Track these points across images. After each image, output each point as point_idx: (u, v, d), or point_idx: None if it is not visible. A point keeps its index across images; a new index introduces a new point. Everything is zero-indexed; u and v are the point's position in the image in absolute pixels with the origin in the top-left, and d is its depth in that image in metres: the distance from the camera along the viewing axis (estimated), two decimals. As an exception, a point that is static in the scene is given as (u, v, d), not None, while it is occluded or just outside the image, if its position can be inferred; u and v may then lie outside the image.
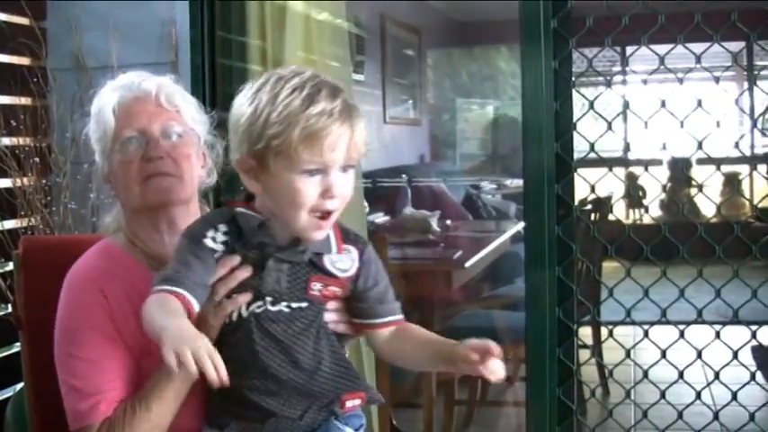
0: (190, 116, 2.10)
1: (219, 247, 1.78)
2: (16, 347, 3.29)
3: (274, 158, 1.69)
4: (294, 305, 1.78)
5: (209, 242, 1.78)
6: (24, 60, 3.67)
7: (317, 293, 1.80)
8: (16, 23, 3.64)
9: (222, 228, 1.79)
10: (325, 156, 1.67)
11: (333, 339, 1.84)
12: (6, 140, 3.43)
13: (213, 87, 3.47)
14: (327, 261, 1.81)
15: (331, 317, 1.86)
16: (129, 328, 1.95)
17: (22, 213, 3.48)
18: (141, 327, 1.78)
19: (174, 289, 1.71)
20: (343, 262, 1.83)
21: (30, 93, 3.56)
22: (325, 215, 1.72)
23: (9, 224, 3.48)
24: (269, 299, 1.77)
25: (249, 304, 1.78)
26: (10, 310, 3.30)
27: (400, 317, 1.99)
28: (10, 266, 3.17)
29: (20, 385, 3.12)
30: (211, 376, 1.52)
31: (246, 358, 1.77)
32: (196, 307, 1.73)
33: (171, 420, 1.89)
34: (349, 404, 1.83)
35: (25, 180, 3.45)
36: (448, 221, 6.01)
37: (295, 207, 1.71)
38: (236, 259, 1.78)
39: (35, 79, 3.58)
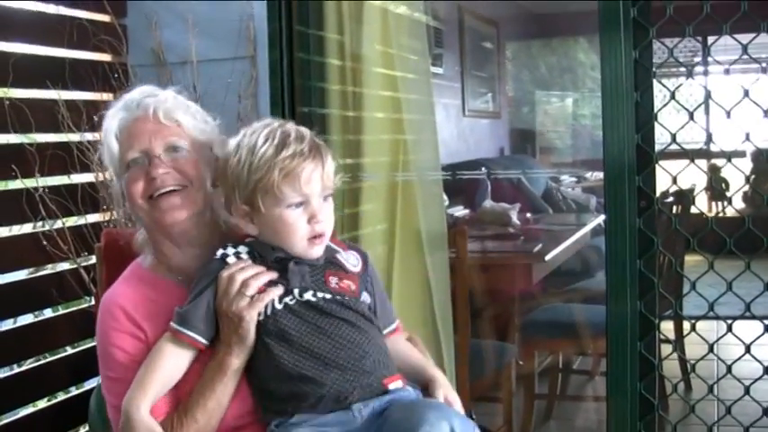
0: (192, 126, 2.11)
1: (232, 253, 2.00)
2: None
3: (262, 199, 1.93)
4: (319, 294, 1.95)
5: (217, 255, 2.00)
6: (105, 57, 3.72)
7: (336, 286, 1.98)
8: (97, 21, 3.70)
9: (232, 245, 2.01)
10: (304, 188, 1.92)
11: (369, 327, 1.99)
12: (89, 136, 3.48)
13: (291, 82, 3.49)
14: (341, 258, 2.05)
15: None
16: (159, 333, 2.01)
17: (104, 207, 3.53)
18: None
19: (185, 332, 1.95)
20: (352, 259, 2.07)
21: (111, 89, 3.61)
22: (317, 237, 1.96)
23: (92, 218, 3.53)
24: (296, 290, 1.95)
25: (281, 299, 1.94)
26: (93, 302, 3.35)
27: (396, 324, 2.18)
28: (93, 259, 3.21)
29: (103, 377, 3.17)
30: None
31: (287, 344, 1.92)
32: (203, 341, 1.96)
33: (218, 422, 1.96)
34: (392, 386, 1.94)
35: (107, 174, 3.48)
36: (528, 214, 5.97)
37: (290, 237, 1.95)
38: (262, 267, 1.96)
39: (116, 75, 3.64)
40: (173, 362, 1.95)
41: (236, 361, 1.94)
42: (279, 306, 1.93)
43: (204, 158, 2.09)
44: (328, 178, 1.97)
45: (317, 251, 1.97)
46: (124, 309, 2.03)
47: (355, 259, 2.07)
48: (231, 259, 1.98)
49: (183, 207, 2.04)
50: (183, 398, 1.97)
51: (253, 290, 1.92)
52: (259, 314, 1.92)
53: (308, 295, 1.94)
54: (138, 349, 2.00)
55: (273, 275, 1.95)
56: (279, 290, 1.93)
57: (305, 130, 2.00)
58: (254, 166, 1.92)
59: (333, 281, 1.98)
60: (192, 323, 1.94)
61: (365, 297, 2.03)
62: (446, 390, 2.07)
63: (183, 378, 1.97)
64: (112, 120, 2.10)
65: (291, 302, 1.93)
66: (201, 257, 2.06)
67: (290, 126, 1.99)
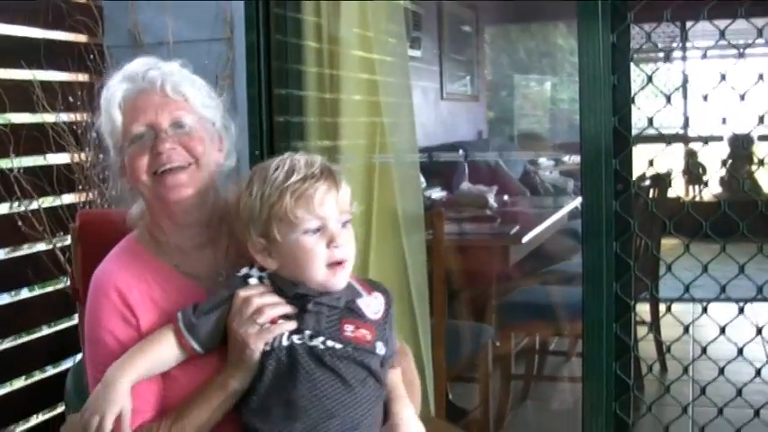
0: (199, 102, 2.06)
1: (255, 276, 1.94)
2: (76, 320, 3.34)
3: (278, 227, 1.86)
4: (329, 343, 1.87)
5: (241, 274, 1.94)
6: (81, 38, 3.71)
7: (350, 335, 1.89)
8: (73, 1, 3.67)
9: (258, 268, 1.94)
10: (318, 211, 1.85)
11: (365, 387, 1.90)
12: (64, 116, 3.47)
13: (268, 63, 3.47)
14: (362, 304, 1.95)
15: None
16: (153, 322, 1.97)
17: (80, 188, 3.52)
18: (165, 318, 1.96)
19: (190, 341, 1.91)
20: (374, 305, 1.96)
21: (87, 70, 3.60)
22: (338, 264, 1.88)
23: (67, 199, 3.52)
24: (307, 332, 1.87)
25: (290, 335, 1.87)
26: (68, 283, 3.34)
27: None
28: (68, 240, 3.20)
29: (79, 356, 3.17)
30: None
31: (277, 384, 1.87)
32: (201, 351, 1.91)
33: None
34: None
35: (83, 155, 3.48)
36: (505, 197, 5.99)
37: (309, 264, 1.87)
38: (281, 299, 1.90)
39: (91, 56, 3.61)
40: (167, 354, 1.90)
41: (238, 384, 1.89)
42: (285, 342, 1.86)
43: (209, 136, 2.05)
44: (344, 202, 1.90)
45: (338, 281, 1.89)
46: (119, 290, 1.98)
47: (377, 305, 1.97)
48: (253, 281, 1.93)
49: (189, 185, 1.99)
50: (171, 402, 1.94)
51: (265, 318, 1.86)
52: (266, 343, 1.86)
53: (317, 341, 1.86)
54: (128, 336, 1.95)
55: (289, 310, 1.89)
56: (291, 325, 1.87)
57: (315, 157, 1.93)
58: (266, 194, 1.86)
59: (348, 329, 1.89)
60: (198, 336, 1.89)
61: (380, 348, 1.94)
62: None
63: (174, 383, 1.94)
64: (116, 90, 2.02)
65: (298, 342, 1.86)
66: (198, 237, 2.05)
67: (300, 155, 1.93)
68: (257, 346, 1.85)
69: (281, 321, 1.87)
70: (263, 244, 1.89)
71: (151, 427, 1.90)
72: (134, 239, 2.10)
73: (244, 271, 1.94)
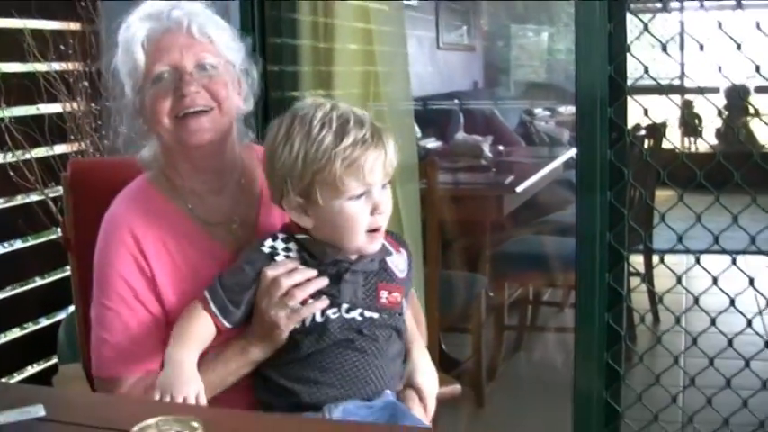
0: (224, 45, 2.00)
1: (281, 252, 1.86)
2: (68, 271, 3.33)
3: (321, 191, 1.78)
4: (366, 314, 1.84)
5: (265, 249, 1.87)
6: (72, -15, 3.66)
7: (386, 301, 1.87)
8: (65, -52, 3.63)
9: (283, 238, 1.88)
10: (368, 179, 1.78)
11: (393, 345, 1.91)
12: (56, 65, 3.43)
13: (262, 11, 3.46)
14: (392, 264, 1.92)
15: None
16: (165, 274, 1.94)
17: (72, 138, 3.50)
18: (177, 274, 1.93)
19: (221, 320, 1.85)
20: (401, 264, 1.95)
21: (78, 18, 3.55)
22: (377, 231, 1.82)
23: (59, 149, 3.50)
24: (345, 305, 1.83)
25: (324, 311, 1.82)
26: (60, 233, 3.33)
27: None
28: (61, 190, 3.19)
29: (72, 308, 3.16)
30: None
31: (312, 359, 1.83)
32: (228, 326, 1.85)
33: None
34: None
35: (75, 105, 3.45)
36: (500, 147, 5.97)
37: (351, 230, 1.80)
38: (313, 271, 1.84)
39: (83, 4, 3.57)
40: (206, 333, 1.85)
41: (261, 354, 1.86)
42: (319, 319, 1.82)
43: (231, 79, 1.99)
44: (390, 165, 1.82)
45: (375, 246, 1.84)
46: (134, 234, 1.94)
47: (404, 263, 1.95)
48: (280, 257, 1.85)
49: (210, 129, 1.94)
50: None
51: (296, 301, 1.80)
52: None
53: (355, 314, 1.83)
54: (141, 285, 1.92)
55: (323, 283, 1.82)
56: (324, 303, 1.82)
57: (362, 114, 1.83)
58: (311, 156, 1.76)
59: (384, 295, 1.86)
60: (232, 318, 1.85)
61: (405, 306, 1.94)
62: (416, 403, 1.95)
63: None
64: (138, 29, 1.95)
65: (334, 317, 1.82)
66: (214, 182, 2.02)
67: (345, 108, 1.84)
68: (288, 328, 1.82)
69: (311, 301, 1.82)
70: (299, 203, 1.81)
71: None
72: (147, 181, 2.05)
73: (268, 245, 1.87)
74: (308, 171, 1.77)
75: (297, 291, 1.81)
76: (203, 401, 1.75)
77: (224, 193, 2.04)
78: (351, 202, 1.78)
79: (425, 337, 2.14)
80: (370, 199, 1.79)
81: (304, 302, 1.81)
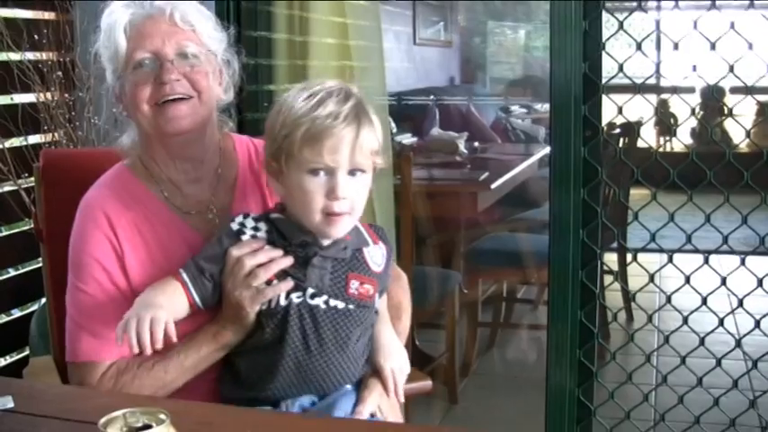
0: (206, 34, 1.98)
1: (248, 231, 1.85)
2: (41, 262, 3.31)
3: (286, 159, 1.77)
4: (332, 303, 1.82)
5: (234, 225, 1.86)
6: (47, -25, 3.64)
7: (355, 292, 1.84)
8: (39, -65, 3.60)
9: (254, 217, 1.87)
10: (326, 156, 1.74)
11: (356, 337, 1.87)
12: (30, 55, 3.41)
13: (237, 4, 3.46)
14: (367, 255, 1.89)
15: None
16: (139, 261, 1.93)
17: (46, 128, 3.48)
18: (150, 260, 1.92)
19: (184, 277, 1.83)
20: (377, 256, 1.91)
21: (53, 7, 3.53)
22: (335, 215, 1.77)
23: (33, 139, 3.47)
24: (310, 291, 1.80)
25: (288, 293, 1.80)
26: (33, 224, 3.31)
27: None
28: (33, 181, 3.17)
29: (44, 300, 3.14)
30: (131, 346, 1.70)
31: (276, 344, 1.81)
32: (196, 297, 1.83)
33: (182, 384, 1.88)
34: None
35: (48, 95, 3.43)
36: (476, 143, 5.98)
37: (305, 206, 1.78)
38: (278, 252, 1.82)
39: (58, -7, 3.55)
40: (179, 306, 1.83)
41: (233, 337, 1.85)
42: (282, 302, 1.80)
43: (212, 69, 1.98)
44: (362, 153, 1.76)
45: (335, 230, 1.79)
46: (108, 216, 1.93)
47: (381, 256, 1.91)
48: (246, 237, 1.84)
49: (189, 117, 1.93)
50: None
51: (259, 281, 1.78)
52: (263, 303, 1.80)
53: (319, 301, 1.80)
54: (115, 267, 1.91)
55: (287, 262, 1.80)
56: (287, 285, 1.79)
57: (357, 95, 1.81)
58: (285, 119, 1.77)
59: (354, 285, 1.83)
60: (203, 294, 1.83)
61: (377, 301, 1.91)
62: (372, 401, 1.89)
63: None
64: (121, 14, 1.94)
65: (297, 301, 1.80)
66: (193, 172, 2.01)
67: (345, 87, 1.81)
68: (253, 309, 1.80)
69: (275, 282, 1.80)
70: (274, 167, 1.81)
71: (135, 362, 1.86)
72: (125, 167, 2.04)
73: (237, 222, 1.86)
74: (280, 134, 1.77)
75: (260, 270, 1.80)
76: (172, 329, 1.72)
77: (201, 182, 2.03)
78: (308, 177, 1.75)
79: (406, 325, 2.11)
80: (330, 181, 1.75)
81: (269, 283, 1.80)
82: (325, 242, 1.82)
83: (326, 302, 1.81)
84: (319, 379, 1.82)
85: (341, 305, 1.82)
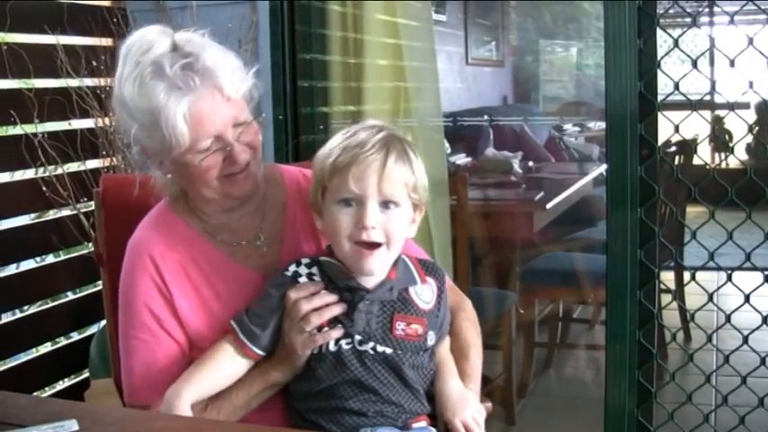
0: (246, 90, 1.94)
1: (304, 276, 1.87)
2: (100, 285, 3.35)
3: (322, 192, 1.82)
4: (380, 349, 1.81)
5: (288, 272, 1.88)
6: (105, 2, 3.69)
7: (402, 333, 1.83)
8: (96, -34, 3.66)
9: (306, 263, 1.88)
10: (352, 184, 1.76)
11: (413, 375, 1.85)
12: (89, 81, 3.46)
13: (292, 27, 3.48)
14: (414, 294, 1.88)
15: None
16: (189, 303, 1.94)
17: (104, 153, 3.52)
18: (200, 301, 1.93)
19: (253, 348, 1.85)
20: (426, 293, 1.90)
21: (110, 34, 3.58)
22: (367, 246, 1.78)
23: (91, 164, 3.52)
24: (358, 337, 1.81)
25: (338, 340, 1.81)
26: (92, 248, 3.35)
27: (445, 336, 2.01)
28: (92, 205, 3.21)
29: (103, 322, 3.18)
30: None
31: (331, 388, 1.81)
32: (259, 352, 1.86)
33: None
34: (415, 425, 1.86)
35: (107, 120, 3.47)
36: (530, 163, 5.96)
37: (335, 236, 1.80)
38: (333, 297, 1.83)
39: (115, 20, 3.60)
40: (230, 368, 1.86)
41: (281, 377, 1.87)
42: (332, 348, 1.81)
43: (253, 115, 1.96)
44: (390, 183, 1.77)
45: (367, 263, 1.79)
46: (153, 258, 1.94)
47: (430, 293, 1.90)
48: (303, 279, 1.86)
49: (252, 177, 1.95)
50: None
51: (311, 327, 1.80)
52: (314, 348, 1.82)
53: (368, 347, 1.80)
54: (165, 312, 1.92)
55: (340, 309, 1.81)
56: (338, 333, 1.80)
57: (389, 129, 1.83)
58: (321, 154, 1.83)
59: (400, 327, 1.82)
60: (261, 344, 1.85)
61: (431, 338, 1.88)
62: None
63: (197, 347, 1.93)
64: (174, 99, 1.83)
65: (346, 348, 1.81)
66: (240, 209, 2.00)
67: (385, 125, 1.85)
68: (304, 353, 1.82)
69: (326, 329, 1.81)
70: (316, 204, 1.85)
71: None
72: (167, 206, 2.04)
73: (292, 269, 1.87)
74: (318, 165, 1.83)
75: (313, 316, 1.81)
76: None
77: (247, 212, 2.03)
78: (338, 207, 1.78)
79: (477, 362, 2.06)
80: (359, 210, 1.77)
81: (321, 329, 1.82)
82: (370, 285, 1.83)
83: (374, 348, 1.81)
84: (385, 416, 1.81)
85: (389, 350, 1.82)
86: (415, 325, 1.85)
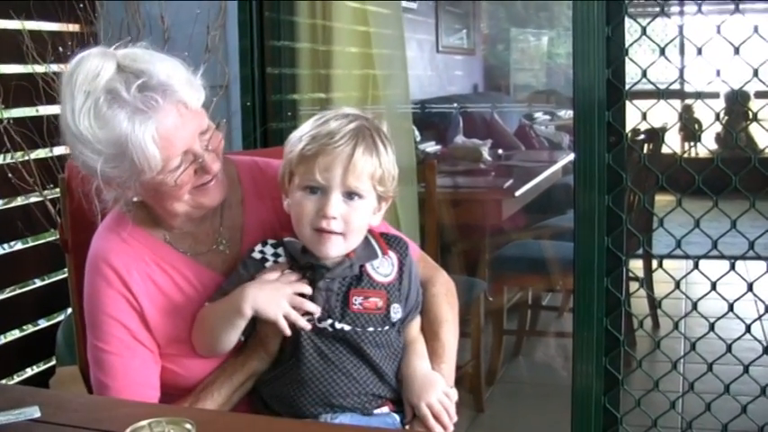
0: (203, 98, 1.86)
1: (270, 258, 1.88)
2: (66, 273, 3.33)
3: (289, 177, 1.83)
4: (338, 326, 1.81)
5: (256, 254, 1.88)
6: (72, -14, 3.66)
7: (359, 307, 1.83)
8: (63, -50, 3.63)
9: (272, 243, 1.90)
10: (317, 174, 1.77)
11: (380, 352, 1.86)
12: (55, 67, 3.43)
13: (260, 14, 3.47)
14: (372, 269, 1.87)
15: None
16: (159, 313, 1.89)
17: (71, 139, 3.49)
18: (172, 309, 1.90)
19: None
20: (385, 267, 1.89)
21: (77, 19, 3.56)
22: (326, 232, 1.78)
23: (58, 150, 3.49)
24: (317, 315, 1.81)
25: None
26: (58, 235, 3.33)
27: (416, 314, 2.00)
28: (59, 192, 3.19)
29: (70, 310, 3.16)
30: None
31: (294, 368, 1.82)
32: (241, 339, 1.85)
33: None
34: (376, 411, 1.86)
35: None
36: (499, 151, 5.97)
37: (298, 221, 1.81)
38: (295, 275, 1.83)
39: (82, 6, 3.57)
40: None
41: (259, 365, 1.86)
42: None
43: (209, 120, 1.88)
44: (355, 175, 1.77)
45: (324, 249, 1.79)
46: (116, 270, 1.87)
47: (389, 266, 1.89)
48: (269, 264, 1.86)
49: (221, 183, 1.90)
50: (188, 382, 1.90)
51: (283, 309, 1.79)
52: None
53: (326, 324, 1.80)
54: (135, 324, 1.87)
55: (306, 289, 1.80)
56: (315, 308, 1.79)
57: (368, 121, 1.83)
58: (291, 139, 1.83)
59: (357, 301, 1.82)
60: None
61: (395, 311, 1.87)
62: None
63: (194, 363, 1.90)
64: (140, 126, 1.73)
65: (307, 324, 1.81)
66: (200, 223, 1.95)
67: (359, 113, 1.85)
68: (275, 336, 1.83)
69: (297, 316, 1.80)
70: (284, 187, 1.85)
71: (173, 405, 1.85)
72: (125, 216, 1.95)
73: (258, 249, 1.88)
74: (286, 152, 1.84)
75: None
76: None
77: (207, 218, 1.97)
78: (303, 193, 1.79)
79: (448, 340, 2.02)
80: (322, 199, 1.77)
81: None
82: (330, 263, 1.83)
83: (332, 326, 1.81)
84: (345, 397, 1.81)
85: (347, 327, 1.81)
86: (374, 298, 1.84)
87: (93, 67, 1.77)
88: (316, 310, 1.80)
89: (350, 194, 1.79)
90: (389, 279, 1.88)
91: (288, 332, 1.79)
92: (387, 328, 1.86)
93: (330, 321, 1.81)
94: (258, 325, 1.84)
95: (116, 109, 1.75)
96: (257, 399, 1.89)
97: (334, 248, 1.80)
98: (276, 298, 1.79)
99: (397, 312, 1.88)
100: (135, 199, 1.89)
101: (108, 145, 1.77)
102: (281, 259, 1.87)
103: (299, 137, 1.81)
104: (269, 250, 1.88)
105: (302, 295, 1.80)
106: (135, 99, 1.74)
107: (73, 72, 1.78)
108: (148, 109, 1.75)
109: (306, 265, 1.83)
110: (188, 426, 1.27)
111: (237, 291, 1.81)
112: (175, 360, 1.90)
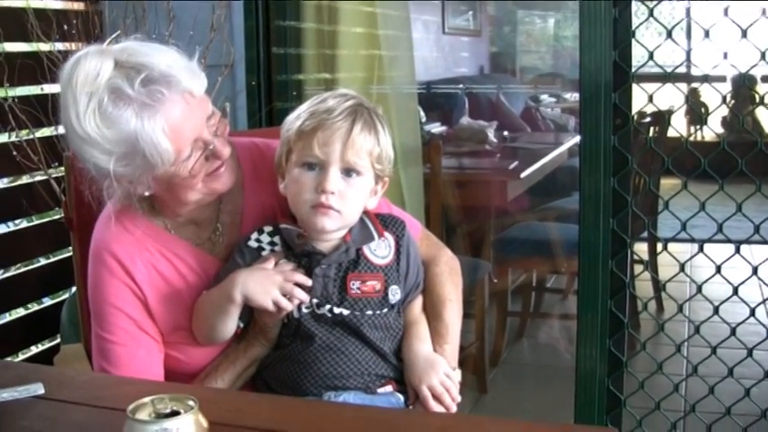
0: (205, 84, 1.84)
1: (266, 247, 1.88)
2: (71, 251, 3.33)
3: (287, 155, 1.82)
4: (336, 310, 1.82)
5: (252, 243, 1.88)
6: (77, -33, 3.66)
7: (357, 291, 1.83)
8: (69, -72, 3.62)
9: (268, 231, 1.89)
10: (316, 149, 1.76)
11: (381, 334, 1.86)
12: (60, 45, 3.42)
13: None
14: (369, 251, 1.88)
15: None
16: (163, 302, 1.89)
17: (76, 117, 3.49)
18: (176, 297, 1.89)
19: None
20: (381, 248, 1.89)
21: (82, -2, 3.55)
22: (322, 207, 1.77)
23: (62, 129, 3.49)
24: (315, 301, 1.82)
25: (300, 306, 1.82)
26: (63, 213, 3.33)
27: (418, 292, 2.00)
28: (63, 170, 3.19)
29: (74, 288, 3.17)
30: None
31: (296, 354, 1.82)
32: (240, 326, 1.86)
33: None
34: (380, 390, 1.86)
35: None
36: (505, 132, 5.96)
37: (296, 199, 1.81)
38: (291, 265, 1.83)
39: (87, -17, 3.57)
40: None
41: (261, 350, 1.87)
42: (296, 314, 1.81)
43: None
44: (354, 151, 1.77)
45: (319, 222, 1.78)
46: (120, 260, 1.87)
47: (386, 247, 1.89)
48: (266, 252, 1.86)
49: (231, 167, 1.89)
50: (191, 369, 1.91)
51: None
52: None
53: (325, 309, 1.81)
54: (140, 314, 1.87)
55: (302, 278, 1.79)
56: (305, 297, 1.79)
57: (359, 99, 1.83)
58: (290, 117, 1.83)
59: (355, 285, 1.82)
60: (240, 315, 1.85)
61: (393, 293, 1.87)
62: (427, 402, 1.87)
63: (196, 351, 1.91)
64: (150, 120, 1.71)
65: (306, 311, 1.82)
66: (203, 208, 1.94)
67: (355, 94, 1.85)
68: (272, 322, 1.84)
69: (293, 300, 1.80)
70: (281, 167, 1.85)
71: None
72: (125, 205, 1.92)
73: (254, 238, 1.88)
74: (285, 128, 1.83)
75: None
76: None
77: (207, 207, 1.95)
78: (301, 171, 1.79)
79: (452, 320, 2.00)
80: (321, 175, 1.77)
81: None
82: (326, 249, 1.83)
83: (331, 311, 1.82)
84: (348, 378, 1.81)
85: (346, 311, 1.82)
86: (372, 281, 1.85)
87: (92, 66, 1.73)
88: (305, 298, 1.79)
89: (348, 171, 1.79)
90: (387, 261, 1.89)
91: (278, 316, 1.81)
92: (385, 310, 1.86)
93: (329, 307, 1.81)
94: (256, 313, 1.84)
95: (122, 107, 1.72)
96: (260, 382, 1.89)
97: (330, 222, 1.79)
98: (266, 284, 1.78)
99: (395, 294, 1.88)
100: (146, 193, 1.86)
101: (118, 144, 1.74)
102: (277, 248, 1.86)
103: (297, 115, 1.82)
104: (265, 239, 1.88)
105: (300, 285, 1.80)
106: (140, 94, 1.72)
107: (71, 75, 1.75)
108: (155, 102, 1.73)
109: (302, 252, 1.83)
110: (190, 403, 1.26)
111: (229, 278, 1.81)
112: (179, 348, 1.91)
